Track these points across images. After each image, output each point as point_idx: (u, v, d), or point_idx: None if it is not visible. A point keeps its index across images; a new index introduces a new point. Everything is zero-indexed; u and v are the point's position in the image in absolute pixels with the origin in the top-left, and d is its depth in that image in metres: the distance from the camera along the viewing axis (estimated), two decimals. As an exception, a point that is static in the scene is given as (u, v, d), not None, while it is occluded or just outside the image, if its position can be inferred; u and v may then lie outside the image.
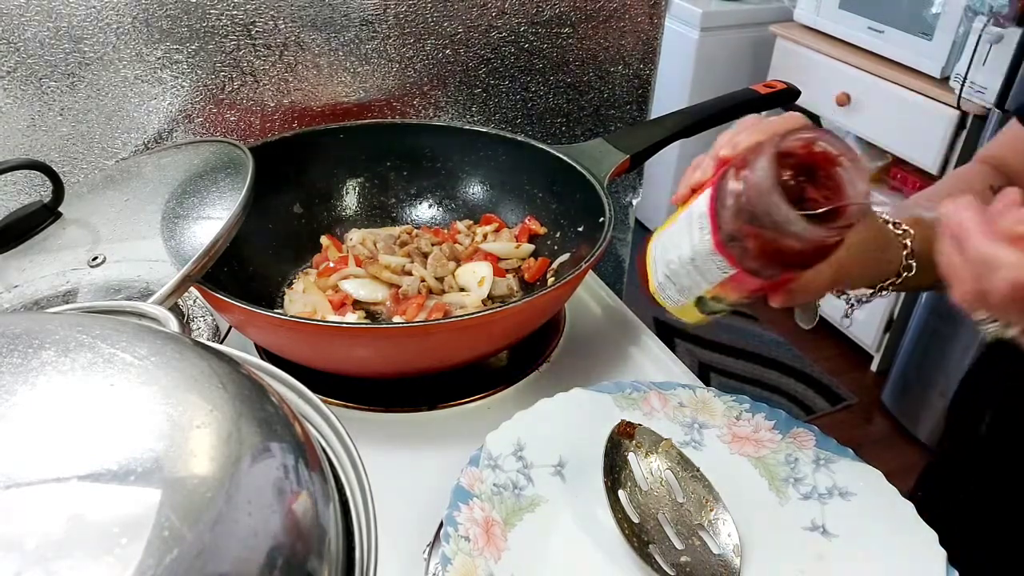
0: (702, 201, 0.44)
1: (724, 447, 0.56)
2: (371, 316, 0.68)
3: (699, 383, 0.62)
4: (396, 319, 0.67)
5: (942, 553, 0.46)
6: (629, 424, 0.54)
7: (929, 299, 1.78)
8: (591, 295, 0.80)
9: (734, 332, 2.25)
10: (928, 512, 0.49)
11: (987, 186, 0.57)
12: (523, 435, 0.54)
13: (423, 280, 0.70)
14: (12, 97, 0.72)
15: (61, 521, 0.21)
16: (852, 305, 0.55)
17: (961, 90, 1.63)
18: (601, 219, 0.66)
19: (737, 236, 0.42)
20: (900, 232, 0.50)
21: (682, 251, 0.46)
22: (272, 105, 0.81)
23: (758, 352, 2.18)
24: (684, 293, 0.48)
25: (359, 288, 0.70)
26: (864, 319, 2.03)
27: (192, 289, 0.58)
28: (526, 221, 0.78)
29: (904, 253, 0.50)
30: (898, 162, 1.91)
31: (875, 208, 0.49)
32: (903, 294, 1.83)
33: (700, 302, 0.48)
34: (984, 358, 0.71)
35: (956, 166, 1.73)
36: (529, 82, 0.90)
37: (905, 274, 0.50)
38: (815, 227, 0.39)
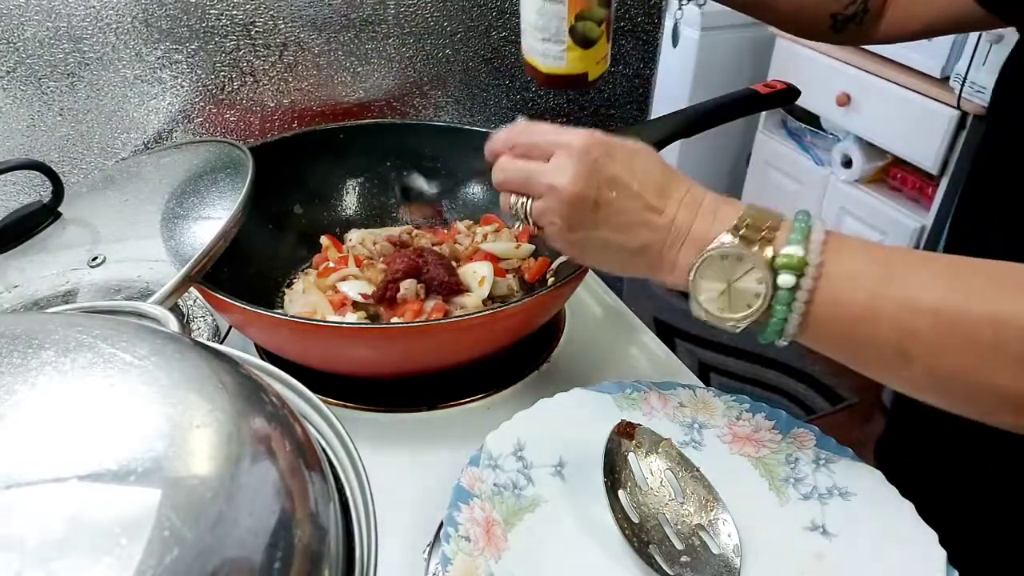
0: None
1: (724, 447, 0.56)
2: (371, 316, 0.68)
3: (699, 383, 0.62)
4: (395, 319, 0.67)
5: (942, 553, 0.46)
6: (629, 424, 0.54)
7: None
8: (591, 295, 0.80)
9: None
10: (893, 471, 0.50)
11: None
12: (523, 435, 0.54)
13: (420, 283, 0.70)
14: (12, 97, 0.72)
15: (61, 521, 0.21)
16: None
17: (961, 90, 1.63)
18: (601, 219, 0.66)
19: None
20: None
21: (530, 4, 0.53)
22: (272, 105, 0.81)
23: (758, 352, 2.18)
24: (559, 36, 0.54)
25: (358, 289, 0.70)
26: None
27: (192, 289, 0.58)
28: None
29: None
30: (898, 162, 1.91)
31: None
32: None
33: (573, 33, 0.53)
34: None
35: (956, 166, 1.74)
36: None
37: None
38: None
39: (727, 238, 0.40)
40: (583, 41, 0.55)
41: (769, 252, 0.39)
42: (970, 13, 0.59)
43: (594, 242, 0.45)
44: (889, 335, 0.37)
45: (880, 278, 0.38)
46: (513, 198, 0.48)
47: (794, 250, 0.38)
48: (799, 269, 0.38)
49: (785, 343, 0.41)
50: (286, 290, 0.74)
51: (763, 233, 0.39)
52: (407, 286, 0.67)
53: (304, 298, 0.71)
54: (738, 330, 0.41)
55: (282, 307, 0.71)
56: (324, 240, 0.77)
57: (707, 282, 0.41)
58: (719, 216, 0.42)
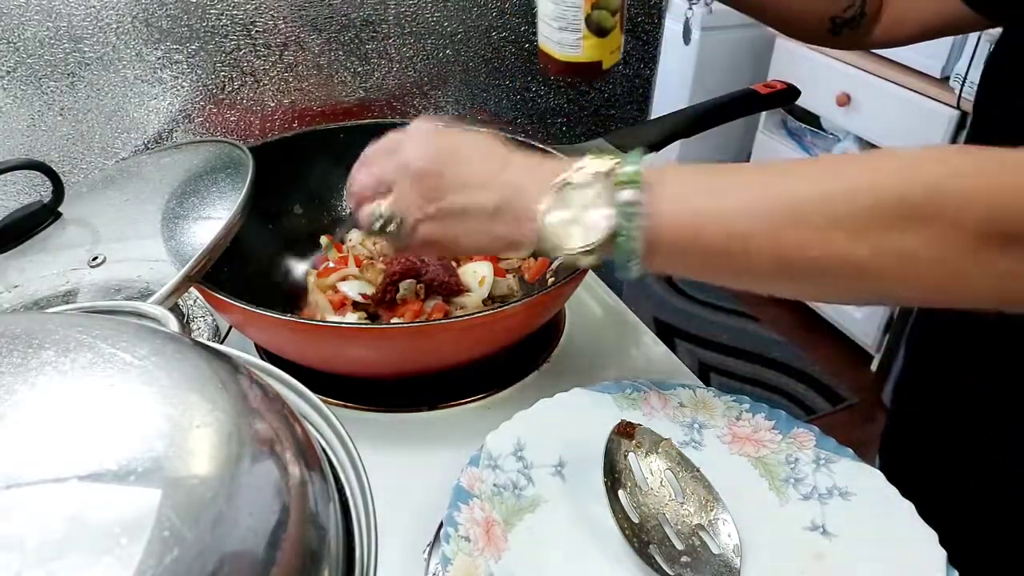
0: None
1: (724, 447, 0.56)
2: (371, 316, 0.68)
3: (699, 383, 0.62)
4: (395, 320, 0.67)
5: (942, 553, 0.46)
6: (629, 424, 0.54)
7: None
8: (591, 295, 0.80)
9: (734, 332, 2.25)
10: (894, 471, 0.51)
11: None
12: (523, 435, 0.54)
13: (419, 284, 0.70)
14: (12, 97, 0.72)
15: (61, 521, 0.21)
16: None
17: (961, 90, 1.63)
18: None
19: None
20: None
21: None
22: (272, 105, 0.81)
23: (758, 352, 2.18)
24: (575, 25, 0.56)
25: (358, 289, 0.70)
26: (864, 319, 2.03)
27: (192, 289, 0.58)
28: None
29: None
30: (898, 162, 1.91)
31: None
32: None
33: (589, 22, 0.56)
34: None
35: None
36: (529, 82, 0.90)
37: None
38: None
39: (572, 172, 0.42)
40: (598, 30, 0.57)
41: (610, 175, 0.41)
42: (959, 14, 0.60)
43: (454, 212, 0.46)
44: (729, 240, 0.39)
45: (713, 190, 0.40)
46: (369, 208, 0.50)
47: (631, 169, 0.40)
48: (636, 184, 0.40)
49: (639, 272, 0.41)
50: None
51: (606, 164, 0.42)
52: (406, 286, 0.67)
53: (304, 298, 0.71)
54: (591, 258, 0.42)
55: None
56: (324, 240, 0.77)
57: (557, 212, 0.42)
58: (565, 163, 0.44)
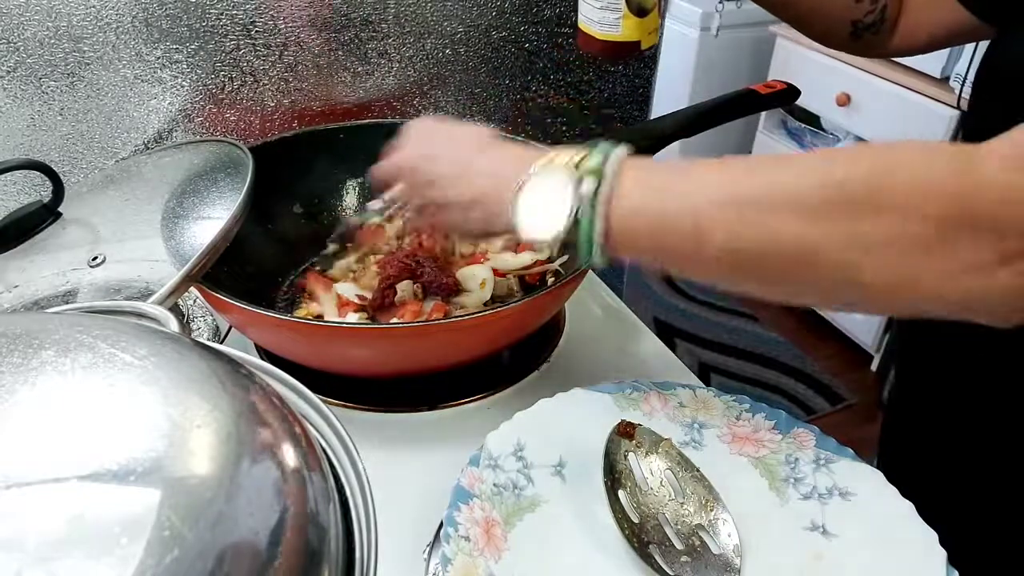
0: None
1: (724, 447, 0.56)
2: (372, 316, 0.68)
3: (699, 383, 0.62)
4: (395, 320, 0.67)
5: (942, 553, 0.46)
6: (629, 424, 0.54)
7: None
8: (591, 295, 0.80)
9: (734, 332, 2.25)
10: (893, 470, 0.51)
11: None
12: (523, 435, 0.54)
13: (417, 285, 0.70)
14: (12, 97, 0.72)
15: (61, 521, 0.21)
16: None
17: (961, 90, 1.63)
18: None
19: None
20: None
21: None
22: (272, 105, 0.81)
23: (758, 352, 2.18)
24: (615, 4, 0.58)
25: (356, 292, 0.70)
26: (864, 319, 2.03)
27: (192, 289, 0.58)
28: None
29: None
30: (898, 162, 1.91)
31: None
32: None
33: (629, 2, 0.58)
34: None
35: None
36: (529, 82, 0.90)
37: None
38: None
39: (542, 163, 0.45)
40: (638, 10, 0.59)
41: (574, 167, 0.43)
42: (967, 23, 0.61)
43: (436, 202, 0.51)
44: (685, 225, 0.40)
45: (672, 180, 0.41)
46: (375, 201, 0.59)
47: (595, 162, 0.42)
48: (598, 175, 0.42)
49: (600, 260, 0.43)
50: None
51: (573, 157, 0.44)
52: (404, 287, 0.67)
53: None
54: (555, 245, 0.44)
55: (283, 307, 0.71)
56: (310, 284, 0.73)
57: (525, 198, 0.45)
58: (538, 154, 0.46)
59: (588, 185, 0.42)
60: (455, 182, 0.49)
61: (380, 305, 0.67)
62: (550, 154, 0.45)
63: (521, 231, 0.45)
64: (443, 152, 0.51)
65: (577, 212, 0.42)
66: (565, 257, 0.74)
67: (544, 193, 0.44)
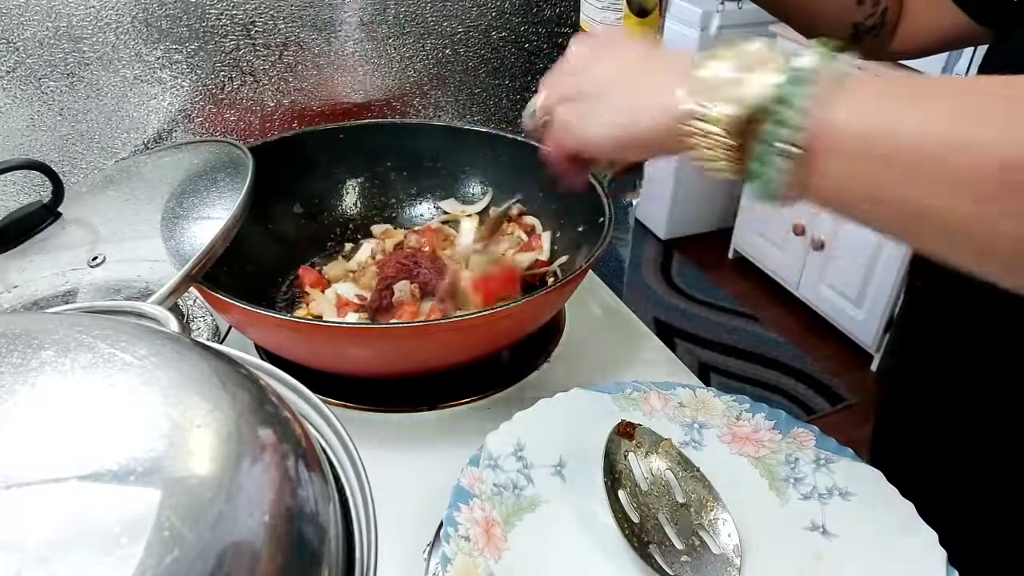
0: None
1: (724, 447, 0.56)
2: (370, 318, 0.68)
3: (699, 383, 0.62)
4: (394, 320, 0.67)
5: (942, 553, 0.46)
6: (629, 424, 0.54)
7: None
8: (591, 295, 0.80)
9: (734, 332, 2.25)
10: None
11: None
12: (523, 435, 0.54)
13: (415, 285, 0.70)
14: (12, 97, 0.72)
15: (61, 521, 0.21)
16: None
17: (961, 90, 1.63)
18: (601, 219, 0.66)
19: None
20: None
21: None
22: (272, 105, 0.81)
23: (758, 352, 2.18)
24: (616, 4, 0.58)
25: (354, 291, 0.70)
26: (864, 319, 2.03)
27: (192, 289, 0.58)
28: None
29: None
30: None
31: None
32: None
33: (630, 3, 0.58)
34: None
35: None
36: (529, 82, 0.90)
37: None
38: None
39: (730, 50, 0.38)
40: (639, 11, 0.59)
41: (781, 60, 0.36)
42: (965, 26, 0.61)
43: (588, 96, 0.46)
44: (896, 145, 0.33)
45: (898, 92, 0.35)
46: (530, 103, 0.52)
47: (810, 59, 0.35)
48: (813, 70, 0.35)
49: (780, 167, 0.35)
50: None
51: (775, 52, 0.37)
52: (401, 288, 0.67)
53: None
54: (732, 126, 0.36)
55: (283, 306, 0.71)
56: (308, 288, 0.73)
57: (713, 67, 0.38)
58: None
59: (805, 61, 0.35)
60: (616, 80, 0.44)
61: (378, 307, 0.67)
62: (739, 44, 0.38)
63: (703, 92, 0.37)
64: (607, 53, 0.46)
65: (781, 90, 0.34)
66: (565, 258, 0.74)
67: (739, 64, 0.37)
